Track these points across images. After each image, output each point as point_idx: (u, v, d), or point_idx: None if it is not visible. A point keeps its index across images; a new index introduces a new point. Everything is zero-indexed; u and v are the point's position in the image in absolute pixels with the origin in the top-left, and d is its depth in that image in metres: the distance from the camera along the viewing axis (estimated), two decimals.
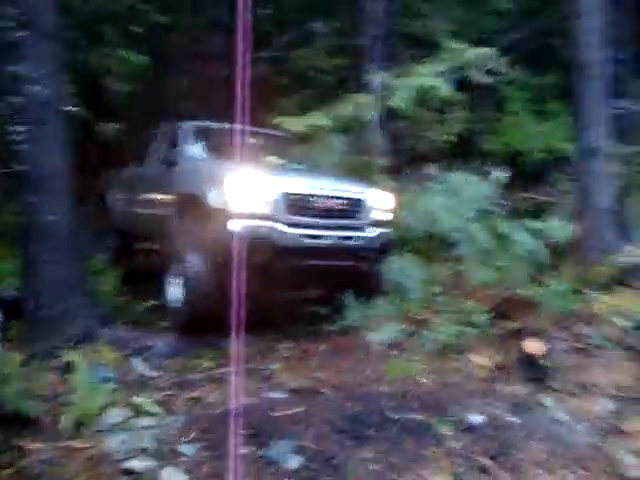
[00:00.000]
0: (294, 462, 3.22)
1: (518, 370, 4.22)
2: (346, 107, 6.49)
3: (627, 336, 4.33)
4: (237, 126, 7.00)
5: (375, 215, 6.03)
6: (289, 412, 3.84)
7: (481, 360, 4.62)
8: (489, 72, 6.94)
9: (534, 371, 4.12)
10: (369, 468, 3.11)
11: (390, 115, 7.98)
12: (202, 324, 5.31)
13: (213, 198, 5.34)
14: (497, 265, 6.45)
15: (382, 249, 6.02)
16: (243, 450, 3.36)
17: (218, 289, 5.09)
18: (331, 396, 4.15)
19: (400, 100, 6.21)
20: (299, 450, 3.32)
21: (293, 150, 7.34)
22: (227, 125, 7.17)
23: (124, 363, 5.03)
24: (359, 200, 5.93)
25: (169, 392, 4.45)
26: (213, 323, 4.79)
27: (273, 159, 6.79)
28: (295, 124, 6.35)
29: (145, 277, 6.99)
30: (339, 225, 5.72)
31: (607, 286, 5.16)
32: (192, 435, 3.62)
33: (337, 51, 10.50)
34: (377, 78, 8.35)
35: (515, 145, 10.80)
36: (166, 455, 3.38)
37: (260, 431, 3.58)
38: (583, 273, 5.53)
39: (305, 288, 6.50)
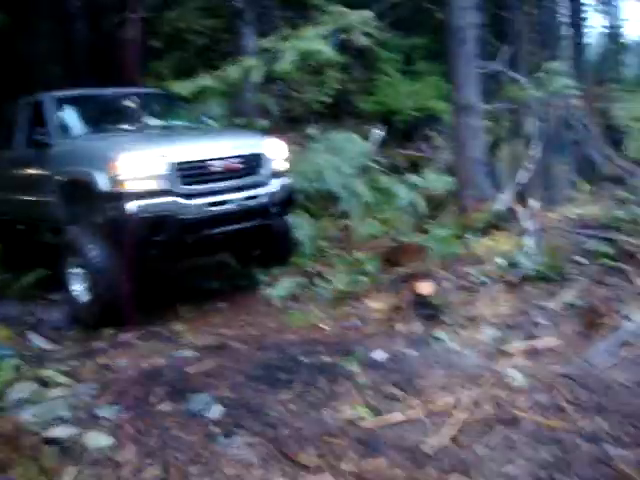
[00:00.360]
0: (216, 412, 3.36)
1: (412, 310, 4.58)
2: (233, 69, 6.48)
3: (503, 272, 4.84)
4: (111, 90, 6.76)
5: (274, 166, 5.74)
6: (202, 368, 3.97)
7: (377, 304, 4.95)
8: (366, 35, 7.19)
9: (427, 309, 4.50)
10: (288, 408, 3.33)
11: (268, 77, 8.07)
12: (110, 314, 4.97)
13: (102, 181, 4.89)
14: (381, 217, 6.85)
15: (287, 200, 5.83)
16: (163, 407, 3.47)
17: (122, 275, 4.83)
18: (240, 348, 4.31)
19: (287, 64, 6.31)
20: (218, 401, 3.46)
21: (175, 110, 7.05)
22: (99, 91, 6.77)
23: (20, 339, 4.92)
24: (257, 154, 5.60)
25: (74, 362, 4.41)
26: (120, 310, 4.78)
27: (157, 122, 6.45)
28: (182, 87, 6.24)
29: (29, 258, 6.73)
30: (241, 185, 5.41)
31: (484, 230, 5.68)
32: (109, 399, 3.66)
33: (211, 12, 10.30)
34: (255, 41, 8.39)
35: (389, 104, 11.27)
36: (86, 421, 3.40)
37: (176, 388, 3.68)
38: (462, 220, 6.02)
39: (215, 254, 6.37)
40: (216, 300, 5.62)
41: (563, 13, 18.75)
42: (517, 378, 3.38)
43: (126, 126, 6.14)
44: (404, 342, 4.12)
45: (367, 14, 6.80)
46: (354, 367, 3.75)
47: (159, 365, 4.11)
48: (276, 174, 5.74)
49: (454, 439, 2.87)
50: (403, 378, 3.54)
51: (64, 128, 5.96)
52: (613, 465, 2.51)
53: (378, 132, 9.82)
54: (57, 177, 5.54)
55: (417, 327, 4.38)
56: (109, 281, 4.92)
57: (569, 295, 4.43)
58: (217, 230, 5.26)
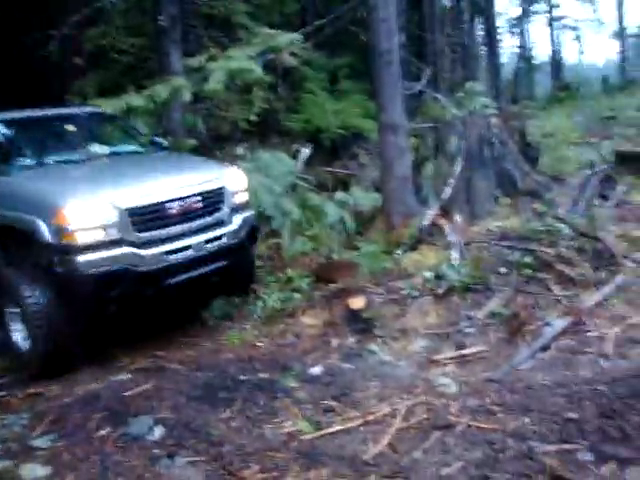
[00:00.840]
0: (157, 434, 3.37)
1: (346, 325, 4.71)
2: (161, 88, 6.46)
3: (431, 285, 5.04)
4: (47, 111, 5.98)
5: (236, 199, 5.25)
6: (140, 390, 3.96)
7: (311, 320, 5.05)
8: (293, 55, 7.36)
9: (359, 324, 4.64)
10: (230, 425, 3.37)
11: (196, 96, 8.08)
12: (53, 366, 4.50)
13: (45, 232, 4.30)
14: (311, 235, 6.97)
15: (251, 236, 5.40)
16: (101, 432, 3.44)
17: (70, 329, 4.44)
18: (179, 369, 4.31)
19: (215, 83, 6.36)
20: (159, 422, 3.47)
21: (120, 131, 6.43)
22: (34, 113, 5.88)
23: None
24: (218, 189, 5.07)
25: (2, 393, 4.30)
26: (65, 361, 4.49)
27: (103, 149, 5.63)
28: (109, 105, 6.14)
29: None
30: (202, 226, 4.90)
31: (412, 245, 5.89)
32: (42, 428, 3.60)
33: (136, 31, 10.23)
34: (180, 60, 8.39)
35: (315, 123, 11.47)
36: (20, 452, 3.35)
37: (114, 412, 3.66)
38: (390, 235, 6.22)
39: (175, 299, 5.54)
40: (151, 321, 5.57)
41: (479, 35, 19.77)
42: (448, 385, 3.56)
43: (69, 156, 5.42)
44: (339, 356, 4.24)
45: (295, 36, 6.96)
46: (292, 383, 3.84)
47: (95, 390, 4.06)
48: (238, 208, 5.26)
49: (392, 446, 3.00)
50: (340, 391, 3.65)
51: None
52: (538, 460, 2.70)
53: (305, 150, 9.99)
54: None
55: (351, 341, 4.51)
56: (54, 335, 4.39)
57: (494, 304, 4.68)
58: (178, 279, 4.75)
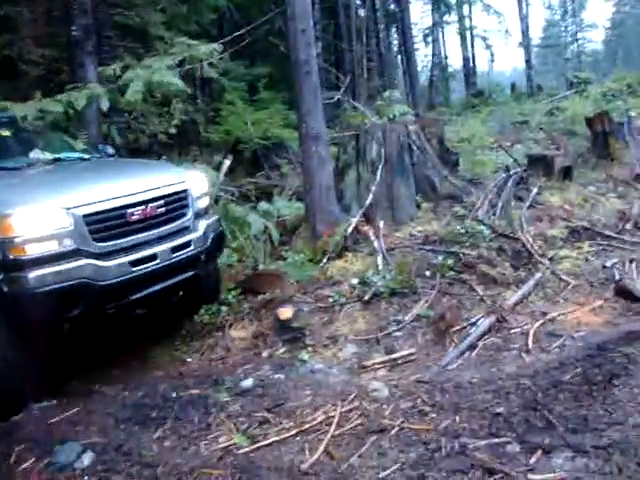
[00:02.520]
0: (85, 460, 3.24)
1: (275, 335, 4.69)
2: (77, 94, 6.24)
3: (358, 291, 5.10)
4: None
5: (200, 204, 4.90)
6: (65, 415, 3.80)
7: (240, 333, 5.00)
8: (211, 65, 7.30)
9: (289, 333, 4.63)
10: (163, 445, 3.28)
11: (112, 107, 7.88)
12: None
13: None
14: (235, 246, 6.92)
15: (218, 243, 5.10)
16: (23, 465, 3.27)
17: (22, 359, 3.88)
18: (106, 390, 4.16)
19: (133, 94, 6.21)
20: (87, 448, 3.33)
21: (59, 138, 5.96)
22: None
23: None
24: (181, 193, 4.68)
25: None
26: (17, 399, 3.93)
27: (44, 155, 5.11)
28: (21, 110, 5.84)
29: None
30: (167, 233, 4.50)
31: (337, 253, 5.94)
32: None
33: (47, 41, 9.87)
34: (95, 71, 8.18)
35: (235, 133, 11.43)
36: None
37: (38, 441, 3.49)
38: (315, 244, 6.26)
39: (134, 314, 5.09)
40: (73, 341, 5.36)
41: (395, 44, 20.26)
42: (380, 389, 3.60)
43: (3, 163, 4.83)
44: (271, 367, 4.21)
45: (214, 46, 6.91)
46: (224, 397, 3.78)
47: (15, 419, 3.85)
48: (202, 213, 4.95)
49: (329, 454, 3.00)
50: (273, 402, 3.62)
51: None
52: (471, 455, 2.77)
53: (226, 161, 9.93)
54: None
55: (282, 351, 4.49)
56: (6, 370, 3.82)
57: (420, 307, 4.78)
58: (143, 293, 4.32)
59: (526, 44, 29.59)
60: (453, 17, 29.15)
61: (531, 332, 4.15)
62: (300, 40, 5.81)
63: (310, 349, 4.42)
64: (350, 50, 15.24)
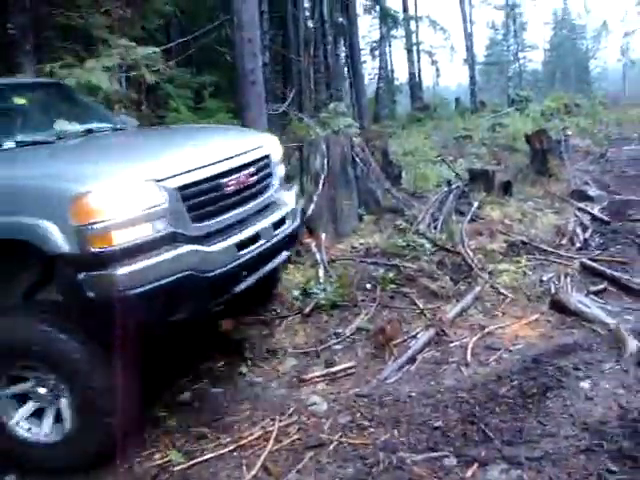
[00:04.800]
0: None
1: (214, 348, 4.60)
2: None
3: (299, 303, 5.07)
4: None
5: (280, 172, 4.20)
6: None
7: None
8: (154, 71, 7.17)
9: (228, 346, 4.55)
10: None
11: None
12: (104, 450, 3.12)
13: (57, 238, 2.80)
14: None
15: (303, 218, 4.42)
16: None
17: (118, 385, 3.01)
18: None
19: None
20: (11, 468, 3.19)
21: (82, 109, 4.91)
22: None
23: None
24: (266, 157, 3.96)
25: None
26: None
27: (75, 127, 4.25)
28: None
29: None
30: (262, 206, 3.78)
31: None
32: None
33: None
34: (33, 72, 7.92)
35: None
36: None
37: None
38: None
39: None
40: None
41: (343, 56, 20.46)
42: (319, 403, 3.58)
43: (31, 136, 3.95)
44: (208, 380, 4.12)
45: (152, 49, 6.78)
46: (159, 410, 3.68)
47: None
48: (285, 183, 4.30)
49: (267, 470, 2.96)
50: (211, 416, 3.56)
51: None
52: (408, 470, 2.78)
53: None
54: None
55: (220, 364, 4.40)
56: (105, 403, 2.99)
57: (360, 320, 4.78)
58: (247, 283, 3.54)
59: (470, 61, 30.38)
60: (400, 32, 29.65)
61: (470, 345, 4.20)
62: (246, 49, 5.78)
63: (249, 362, 4.34)
64: (298, 61, 15.28)
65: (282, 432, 3.28)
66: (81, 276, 2.82)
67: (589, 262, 5.60)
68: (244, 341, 4.61)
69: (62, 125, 4.20)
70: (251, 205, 3.65)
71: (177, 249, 3.01)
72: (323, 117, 8.40)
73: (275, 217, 3.81)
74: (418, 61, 30.81)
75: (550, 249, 6.13)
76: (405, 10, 28.77)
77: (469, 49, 30.33)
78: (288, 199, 4.11)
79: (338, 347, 4.46)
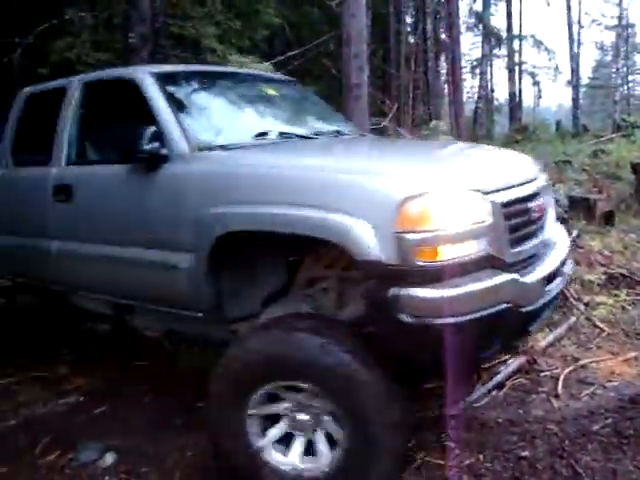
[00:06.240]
0: (107, 460, 3.31)
1: None
2: None
3: None
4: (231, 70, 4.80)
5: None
6: (93, 413, 3.88)
7: None
8: None
9: None
10: (184, 453, 3.32)
11: None
12: None
13: (367, 244, 2.43)
14: None
15: None
16: (48, 458, 3.35)
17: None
18: (134, 393, 4.20)
19: None
20: (110, 448, 3.41)
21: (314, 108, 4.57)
22: (215, 69, 4.69)
23: None
24: (547, 184, 3.48)
25: None
26: None
27: (324, 126, 4.05)
28: None
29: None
30: (547, 242, 3.22)
31: None
32: None
33: (105, 46, 10.19)
34: None
35: None
36: None
37: (62, 436, 3.57)
38: None
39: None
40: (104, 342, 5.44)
41: (443, 73, 20.36)
42: None
43: (295, 128, 3.78)
44: None
45: (265, 65, 7.07)
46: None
47: (43, 413, 3.94)
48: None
49: None
50: None
51: (195, 131, 3.31)
52: None
53: None
54: (206, 226, 2.92)
55: None
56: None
57: None
58: (539, 323, 3.13)
59: (575, 83, 29.39)
60: (503, 51, 29.14)
61: (561, 377, 4.08)
62: (352, 64, 5.89)
63: None
64: (398, 76, 15.33)
65: None
66: (394, 292, 2.42)
67: None
68: None
69: (315, 122, 4.09)
70: (541, 237, 3.11)
71: (497, 275, 2.57)
72: (423, 134, 8.41)
73: (561, 254, 3.21)
74: (519, 81, 30.12)
75: None
76: (509, 29, 28.22)
77: (574, 70, 29.35)
78: (562, 235, 3.48)
79: None
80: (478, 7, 26.07)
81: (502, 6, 28.73)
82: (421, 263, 2.40)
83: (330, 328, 2.73)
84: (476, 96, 29.21)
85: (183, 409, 3.83)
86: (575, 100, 28.68)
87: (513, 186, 2.82)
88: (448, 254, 2.43)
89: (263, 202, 2.74)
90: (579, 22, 31.46)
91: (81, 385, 4.48)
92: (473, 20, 27.03)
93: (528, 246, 2.87)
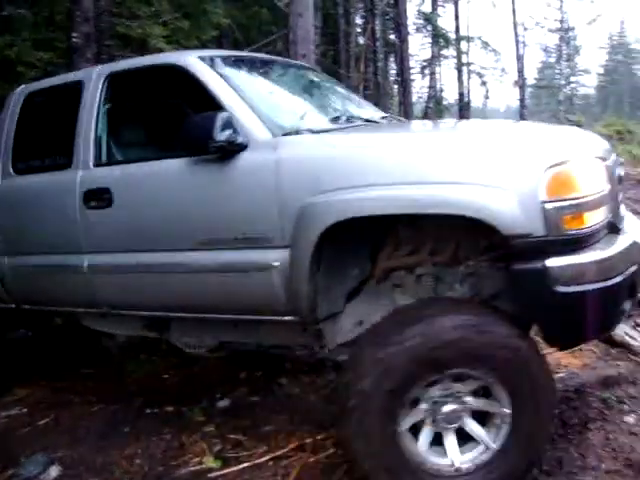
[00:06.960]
0: (52, 473, 3.19)
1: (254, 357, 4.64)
2: None
3: None
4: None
5: None
6: (35, 425, 3.75)
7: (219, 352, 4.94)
8: None
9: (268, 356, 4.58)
10: (133, 463, 3.23)
11: None
12: None
13: (515, 214, 2.33)
14: None
15: None
16: None
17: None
18: (79, 402, 4.10)
19: None
20: (55, 461, 3.29)
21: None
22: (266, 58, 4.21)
23: None
24: None
25: None
26: None
27: (359, 110, 3.87)
28: None
29: None
30: None
31: None
32: None
33: (48, 45, 9.89)
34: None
35: None
36: None
37: (4, 450, 3.44)
38: None
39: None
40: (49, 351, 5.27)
41: (393, 73, 20.53)
42: None
43: (360, 114, 3.64)
44: (246, 389, 4.16)
45: None
46: (198, 416, 3.74)
47: None
48: None
49: None
50: (247, 424, 3.59)
51: (271, 116, 3.00)
52: None
53: None
54: (312, 216, 2.62)
55: (259, 374, 4.43)
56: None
57: None
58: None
59: (521, 83, 30.08)
60: (451, 51, 29.57)
61: None
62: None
63: (289, 374, 4.37)
64: (348, 77, 15.39)
65: (319, 445, 3.28)
66: (549, 263, 2.34)
67: None
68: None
69: (362, 108, 3.96)
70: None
71: (626, 238, 2.59)
72: None
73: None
74: (468, 82, 30.66)
75: None
76: (457, 30, 28.69)
77: (520, 71, 30.05)
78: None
79: None
80: (427, 8, 26.36)
81: (450, 8, 29.14)
82: (572, 231, 2.36)
83: (475, 308, 2.69)
84: (426, 96, 29.56)
85: (131, 416, 3.74)
86: (521, 100, 29.36)
87: (608, 155, 2.79)
88: (592, 220, 2.41)
89: (385, 184, 2.50)
90: (524, 25, 32.23)
91: (24, 396, 4.32)
92: (422, 21, 27.30)
93: (623, 210, 2.91)
